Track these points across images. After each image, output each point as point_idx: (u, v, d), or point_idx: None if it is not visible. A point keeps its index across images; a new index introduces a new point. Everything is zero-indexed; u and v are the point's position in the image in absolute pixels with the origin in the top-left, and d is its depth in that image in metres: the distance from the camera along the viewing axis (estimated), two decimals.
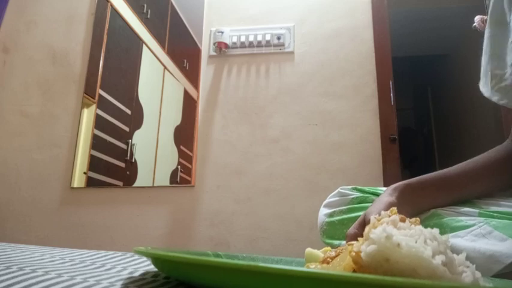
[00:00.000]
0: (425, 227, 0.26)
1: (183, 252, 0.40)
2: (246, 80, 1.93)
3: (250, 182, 1.78)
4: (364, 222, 0.53)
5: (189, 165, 1.85)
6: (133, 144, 1.89)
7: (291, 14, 1.98)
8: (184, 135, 1.90)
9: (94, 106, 1.93)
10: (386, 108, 1.79)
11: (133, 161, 1.87)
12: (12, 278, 0.27)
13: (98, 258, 0.41)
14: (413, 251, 0.22)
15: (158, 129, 1.92)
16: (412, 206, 0.56)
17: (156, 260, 0.30)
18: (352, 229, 0.55)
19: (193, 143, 1.88)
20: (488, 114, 2.74)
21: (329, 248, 0.44)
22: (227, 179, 1.80)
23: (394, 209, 0.30)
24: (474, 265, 0.25)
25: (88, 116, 1.93)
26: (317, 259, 0.39)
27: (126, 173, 1.85)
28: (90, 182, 1.84)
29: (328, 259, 0.32)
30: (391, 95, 1.82)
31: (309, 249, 0.42)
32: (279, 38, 1.94)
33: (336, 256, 0.31)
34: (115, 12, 2.05)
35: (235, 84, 1.93)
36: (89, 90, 1.96)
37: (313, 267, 0.34)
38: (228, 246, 1.68)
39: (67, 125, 1.94)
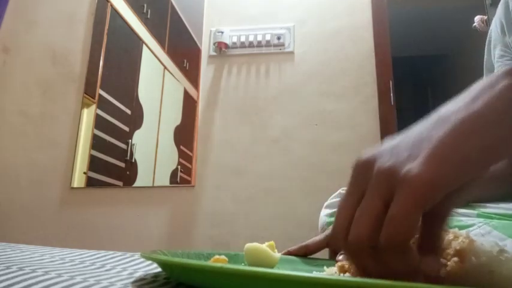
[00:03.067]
0: None
1: (185, 254, 0.40)
2: (246, 80, 1.93)
3: (250, 182, 1.78)
4: None
5: (189, 165, 1.85)
6: (133, 144, 1.89)
7: (291, 14, 1.98)
8: (184, 135, 1.90)
9: (94, 106, 1.93)
10: (387, 108, 1.79)
11: (133, 161, 1.87)
12: (12, 278, 0.27)
13: (98, 258, 0.41)
14: None
15: (158, 129, 1.92)
16: None
17: (165, 266, 0.30)
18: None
19: (193, 143, 1.88)
20: None
21: (273, 242, 0.44)
22: (227, 179, 1.80)
23: None
24: None
25: (88, 116, 1.93)
26: (262, 254, 0.39)
27: (126, 173, 1.85)
28: (90, 182, 1.84)
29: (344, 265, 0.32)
30: (391, 95, 1.82)
31: (252, 245, 0.41)
32: (279, 38, 1.94)
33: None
34: (115, 12, 2.05)
35: (235, 84, 1.93)
36: (89, 90, 1.96)
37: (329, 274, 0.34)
38: (228, 246, 1.68)
39: (67, 125, 1.94)
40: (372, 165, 0.27)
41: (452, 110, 0.27)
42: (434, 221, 0.27)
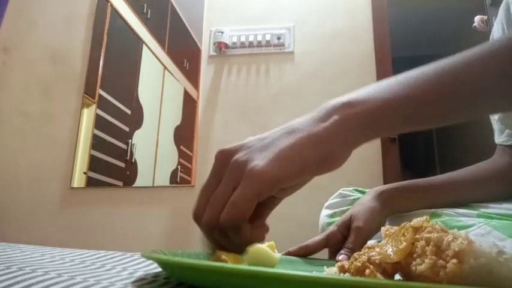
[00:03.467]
0: None
1: (185, 254, 0.40)
2: (246, 80, 1.93)
3: None
4: (349, 223, 0.54)
5: (189, 165, 1.85)
6: (133, 144, 1.89)
7: (291, 14, 1.98)
8: (184, 135, 1.90)
9: (94, 106, 1.93)
10: None
11: (133, 161, 1.87)
12: (12, 278, 0.27)
13: (98, 258, 0.41)
14: None
15: (158, 129, 1.92)
16: (393, 210, 0.59)
17: (165, 265, 0.31)
18: (333, 226, 0.56)
19: (193, 143, 1.88)
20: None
21: (273, 242, 0.44)
22: None
23: (428, 217, 0.28)
24: None
25: (88, 116, 1.93)
26: (262, 255, 0.39)
27: (126, 173, 1.85)
28: (90, 182, 1.84)
29: (344, 266, 0.32)
30: None
31: (252, 245, 0.40)
32: (279, 38, 1.94)
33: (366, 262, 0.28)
34: (115, 12, 2.05)
35: (235, 84, 1.93)
36: (89, 90, 1.96)
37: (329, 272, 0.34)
38: None
39: (67, 125, 1.94)
40: (230, 157, 0.33)
41: (301, 125, 0.36)
42: (266, 205, 0.36)
